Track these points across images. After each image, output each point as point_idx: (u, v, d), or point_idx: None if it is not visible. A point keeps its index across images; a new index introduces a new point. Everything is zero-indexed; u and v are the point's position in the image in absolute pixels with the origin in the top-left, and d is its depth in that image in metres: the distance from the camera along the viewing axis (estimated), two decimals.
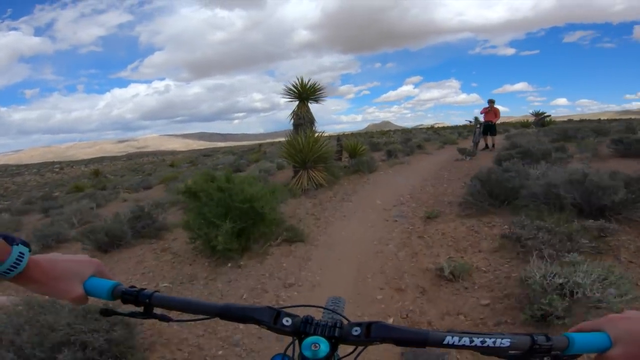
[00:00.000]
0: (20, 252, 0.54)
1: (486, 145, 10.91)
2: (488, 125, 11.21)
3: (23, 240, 0.55)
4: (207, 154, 44.99)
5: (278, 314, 0.56)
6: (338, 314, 0.77)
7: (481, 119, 11.09)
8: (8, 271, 0.53)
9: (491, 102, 11.31)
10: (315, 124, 8.16)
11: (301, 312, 0.59)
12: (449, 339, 0.51)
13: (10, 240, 0.54)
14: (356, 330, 0.54)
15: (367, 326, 0.54)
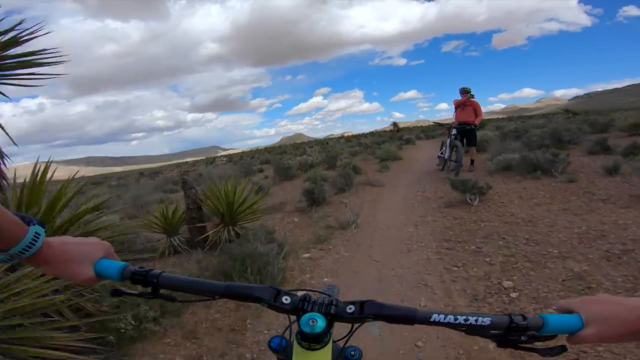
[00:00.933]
0: (36, 233, 0.55)
1: (457, 163, 6.72)
2: (465, 130, 6.93)
3: (39, 221, 0.56)
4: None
5: (278, 292, 0.60)
6: (333, 297, 0.67)
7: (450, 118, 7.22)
8: (23, 251, 0.54)
9: (465, 92, 7.03)
10: None
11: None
12: (435, 317, 0.56)
13: (27, 220, 0.55)
14: (350, 308, 0.59)
15: (361, 304, 0.58)
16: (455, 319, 0.56)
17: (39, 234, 0.55)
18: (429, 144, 18.61)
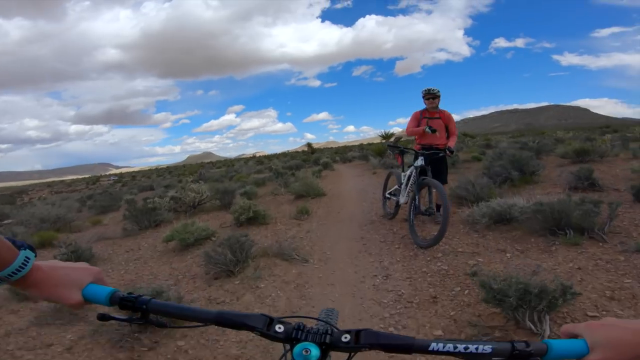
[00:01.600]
0: (26, 257, 0.57)
1: (418, 209, 4.33)
2: (434, 159, 4.27)
3: (30, 245, 0.59)
4: None
5: (271, 320, 0.58)
6: (330, 324, 0.63)
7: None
8: (13, 274, 0.55)
9: (433, 96, 4.38)
10: None
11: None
12: (434, 346, 0.53)
13: (19, 245, 0.57)
14: (346, 337, 0.56)
15: (357, 333, 0.56)
16: (455, 348, 0.54)
17: (29, 258, 0.57)
18: (349, 170, 16.44)
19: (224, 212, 6.90)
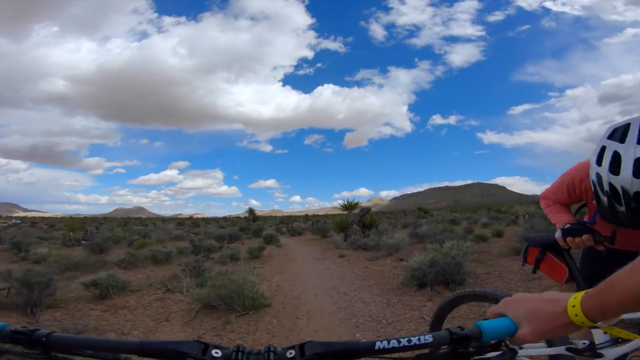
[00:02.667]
0: None
1: None
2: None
3: None
4: None
5: (207, 346, 0.54)
6: (271, 345, 0.58)
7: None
8: None
9: None
10: None
11: None
12: (379, 345, 0.55)
13: None
14: (290, 353, 0.54)
15: (301, 347, 0.54)
16: (399, 342, 0.56)
17: None
18: (301, 247, 13.00)
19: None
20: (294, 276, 6.79)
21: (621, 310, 0.53)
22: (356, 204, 15.08)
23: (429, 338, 0.56)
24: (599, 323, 0.56)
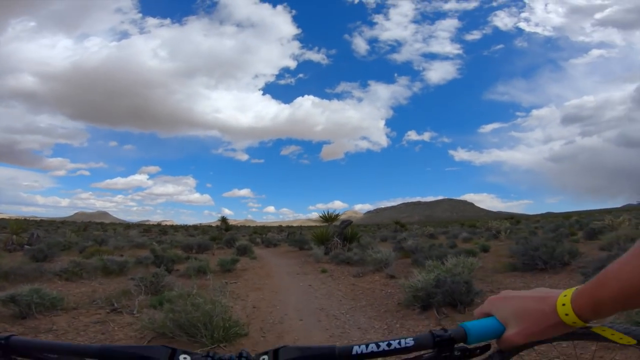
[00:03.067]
0: None
1: None
2: None
3: None
4: None
5: (174, 351, 0.52)
6: (243, 350, 0.57)
7: None
8: None
9: None
10: None
11: None
12: (356, 349, 0.53)
13: None
14: (264, 359, 0.53)
15: (274, 352, 0.53)
16: (378, 347, 0.53)
17: None
18: (278, 259, 12.05)
19: None
20: (272, 294, 5.90)
21: (616, 308, 0.48)
22: (337, 215, 14.35)
23: (410, 341, 0.54)
24: (592, 322, 0.51)
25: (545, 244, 6.45)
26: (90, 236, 17.78)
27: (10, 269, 6.04)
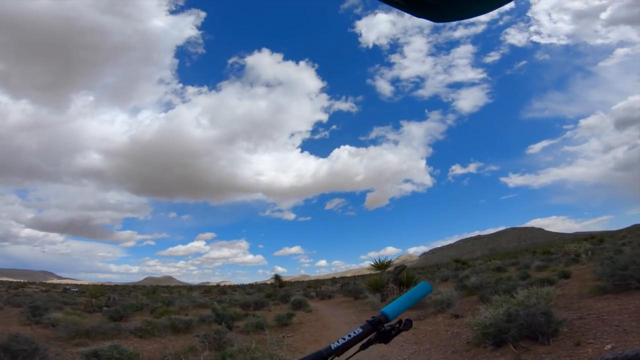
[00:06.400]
0: None
1: None
2: None
3: None
4: None
5: None
6: None
7: None
8: None
9: None
10: None
11: None
12: (332, 346, 0.73)
13: None
14: None
15: None
16: (344, 339, 0.74)
17: None
18: (334, 311, 11.64)
19: None
20: None
21: None
22: (389, 262, 13.77)
23: (358, 330, 0.76)
24: None
25: (634, 261, 5.58)
26: (159, 298, 18.76)
27: (91, 327, 6.59)
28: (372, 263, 14.35)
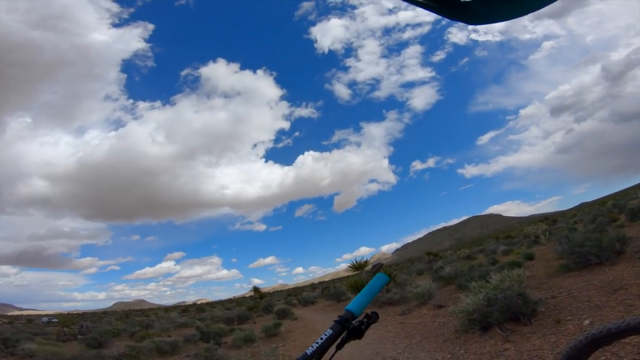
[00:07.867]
0: None
1: None
2: None
3: None
4: None
5: None
6: None
7: None
8: None
9: None
10: None
11: None
12: (308, 352, 0.74)
13: None
14: None
15: None
16: (317, 343, 0.76)
17: None
18: (319, 315, 11.73)
19: None
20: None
21: None
22: (366, 262, 14.11)
23: (330, 331, 0.78)
24: None
25: (589, 237, 6.19)
26: (135, 322, 17.78)
27: (72, 357, 6.21)
28: (350, 264, 14.63)
